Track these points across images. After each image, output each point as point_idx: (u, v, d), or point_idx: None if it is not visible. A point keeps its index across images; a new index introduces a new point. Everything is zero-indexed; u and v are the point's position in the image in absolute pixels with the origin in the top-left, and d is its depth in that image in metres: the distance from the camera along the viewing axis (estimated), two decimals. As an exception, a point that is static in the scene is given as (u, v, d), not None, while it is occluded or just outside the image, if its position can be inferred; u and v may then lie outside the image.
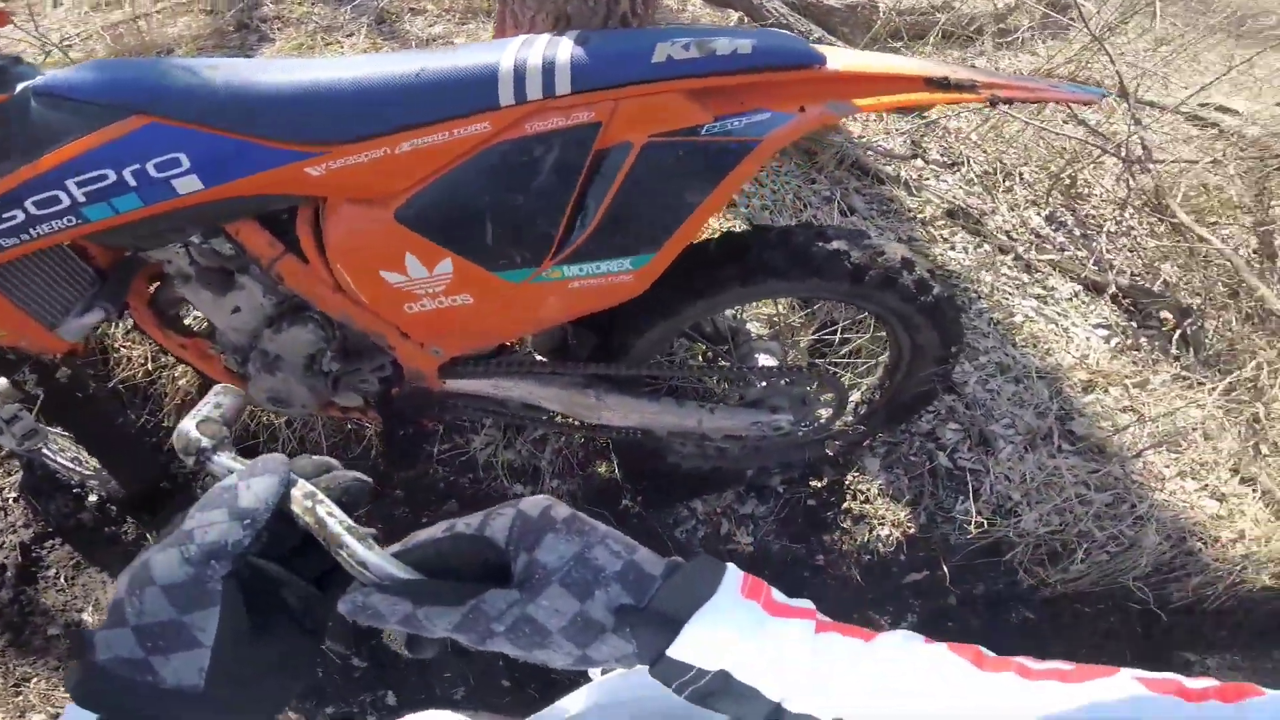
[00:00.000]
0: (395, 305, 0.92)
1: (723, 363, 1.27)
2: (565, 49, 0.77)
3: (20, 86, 0.83)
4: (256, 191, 0.81)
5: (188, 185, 0.80)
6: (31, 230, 0.83)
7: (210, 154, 0.79)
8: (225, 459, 0.45)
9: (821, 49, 0.81)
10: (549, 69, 0.75)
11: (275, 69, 0.81)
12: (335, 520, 0.39)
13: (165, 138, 0.79)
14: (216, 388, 0.97)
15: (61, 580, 1.47)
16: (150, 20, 2.80)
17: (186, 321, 1.15)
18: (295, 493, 0.41)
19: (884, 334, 1.23)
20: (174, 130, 0.79)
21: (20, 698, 1.28)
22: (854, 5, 2.80)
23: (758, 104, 0.78)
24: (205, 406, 0.49)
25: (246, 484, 0.39)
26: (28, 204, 0.81)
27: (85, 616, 1.41)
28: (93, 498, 1.54)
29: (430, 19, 2.67)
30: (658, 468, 1.39)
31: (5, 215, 0.82)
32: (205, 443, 0.45)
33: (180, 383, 1.55)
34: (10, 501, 1.56)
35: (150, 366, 1.59)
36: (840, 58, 0.80)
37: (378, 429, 1.46)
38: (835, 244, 0.96)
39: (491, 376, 1.07)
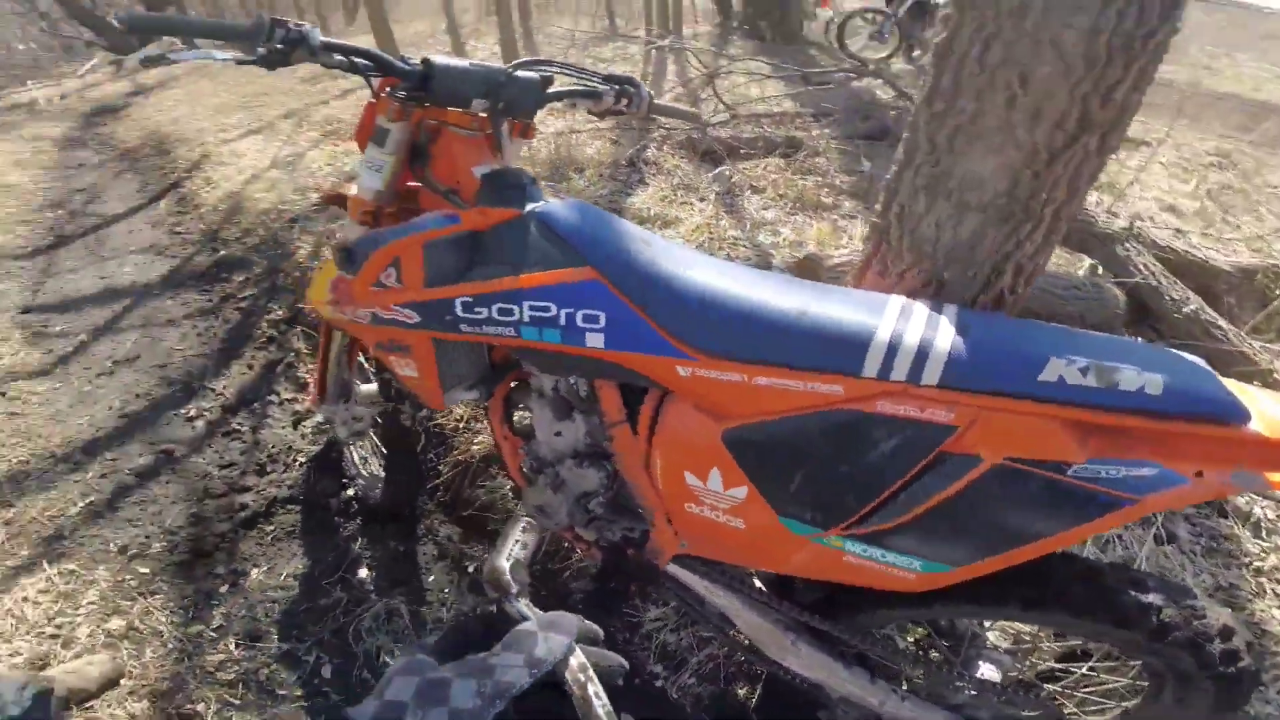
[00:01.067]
0: (679, 499, 0.95)
1: (942, 661, 1.10)
2: (945, 335, 0.73)
3: (529, 208, 0.96)
4: (634, 368, 0.88)
5: (594, 341, 0.87)
6: (484, 328, 0.95)
7: (622, 324, 0.86)
8: (522, 605, 0.52)
9: (1242, 393, 0.67)
10: (922, 355, 0.72)
11: (692, 263, 0.88)
12: (599, 704, 0.42)
13: (600, 297, 0.87)
14: (521, 523, 1.11)
15: (269, 539, 1.73)
16: (577, 137, 3.57)
17: (515, 418, 1.30)
18: (573, 661, 0.44)
19: (1146, 683, 0.95)
20: (608, 294, 0.86)
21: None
22: (1249, 269, 2.32)
23: (1146, 454, 0.67)
24: (514, 545, 0.57)
25: (545, 636, 0.43)
26: (494, 308, 0.93)
27: (253, 571, 1.63)
28: (351, 492, 1.81)
29: (765, 201, 2.97)
30: (801, 714, 1.24)
31: (476, 310, 0.94)
32: (514, 587, 0.53)
33: (474, 448, 1.82)
34: (295, 463, 1.96)
35: (460, 425, 1.91)
36: (1269, 412, 0.66)
37: (594, 564, 1.54)
38: (1151, 597, 0.79)
39: (712, 581, 1.06)
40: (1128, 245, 2.07)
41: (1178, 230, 2.88)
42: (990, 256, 0.93)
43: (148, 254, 3.31)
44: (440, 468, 1.84)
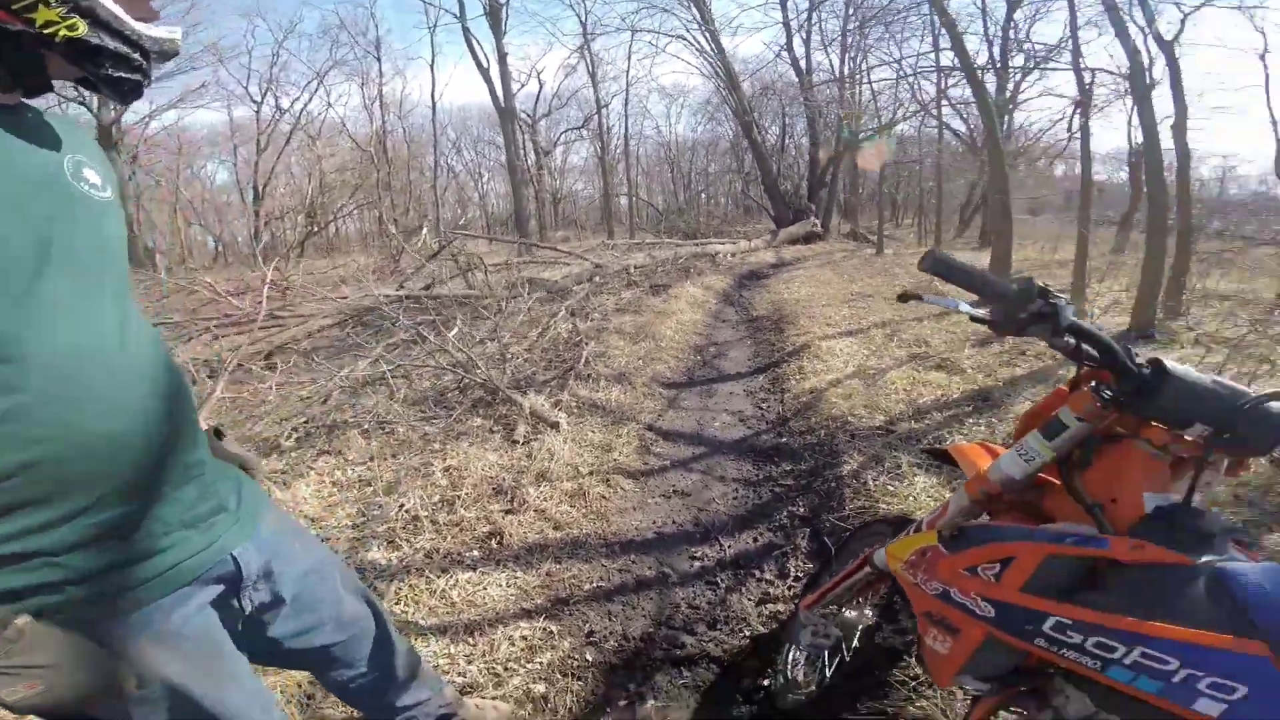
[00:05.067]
0: None
1: None
2: None
3: (1205, 559, 0.83)
4: None
5: (1206, 707, 0.76)
6: (1065, 650, 0.87)
7: (1268, 704, 0.73)
8: None
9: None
10: None
11: None
12: None
13: (1257, 675, 0.74)
14: None
15: (679, 684, 1.81)
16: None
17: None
18: None
19: None
20: (1273, 676, 0.73)
21: None
22: None
23: None
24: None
25: None
26: (1092, 640, 0.84)
27: (650, 703, 1.62)
28: (767, 683, 1.81)
29: None
30: None
31: (1069, 634, 0.87)
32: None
33: (910, 709, 1.63)
34: (740, 633, 1.99)
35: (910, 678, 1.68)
36: None
37: None
38: None
39: None
40: None
41: None
42: None
43: (734, 417, 4.09)
44: (861, 707, 1.67)
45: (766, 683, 1.85)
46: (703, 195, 28.64)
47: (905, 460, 2.91)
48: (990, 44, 14.48)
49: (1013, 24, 14.16)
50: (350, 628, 1.22)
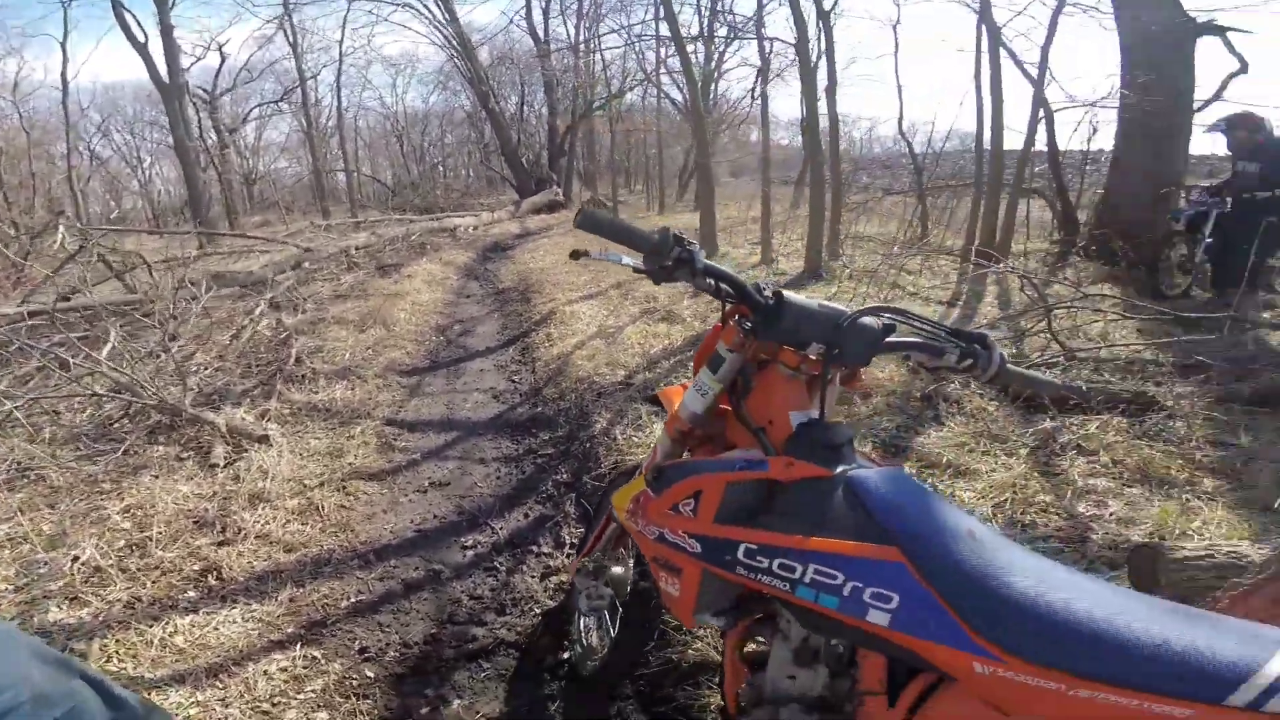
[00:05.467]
0: None
1: None
2: None
3: (840, 469, 0.93)
4: (920, 653, 0.81)
5: (877, 618, 0.82)
6: (760, 576, 0.94)
7: (918, 610, 0.81)
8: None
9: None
10: None
11: (1024, 567, 0.80)
12: None
13: (899, 580, 0.82)
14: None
15: (481, 676, 1.82)
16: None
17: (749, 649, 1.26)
18: None
19: None
20: (910, 579, 0.82)
21: None
22: None
23: None
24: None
25: None
26: (776, 561, 0.91)
27: (455, 703, 1.66)
28: (567, 655, 1.83)
29: (1094, 466, 2.44)
30: None
31: (758, 559, 0.94)
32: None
33: (690, 652, 1.79)
34: (531, 613, 2.03)
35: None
36: None
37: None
38: None
39: None
40: None
41: None
42: None
43: (486, 394, 4.02)
44: (650, 657, 1.79)
45: (566, 655, 1.85)
46: (440, 168, 27.09)
47: (644, 411, 3.12)
48: (700, 15, 15.79)
49: (719, -5, 15.48)
50: (59, 702, 0.97)
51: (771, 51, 12.04)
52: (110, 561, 2.18)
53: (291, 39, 18.00)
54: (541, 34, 18.44)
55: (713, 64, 16.70)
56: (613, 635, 1.72)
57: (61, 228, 5.68)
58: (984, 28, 6.05)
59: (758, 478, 0.98)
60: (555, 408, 3.60)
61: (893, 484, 0.92)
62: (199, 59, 18.72)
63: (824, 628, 0.95)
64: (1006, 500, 2.26)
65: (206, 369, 3.88)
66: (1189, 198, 5.33)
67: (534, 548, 2.39)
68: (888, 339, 1.04)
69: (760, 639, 1.19)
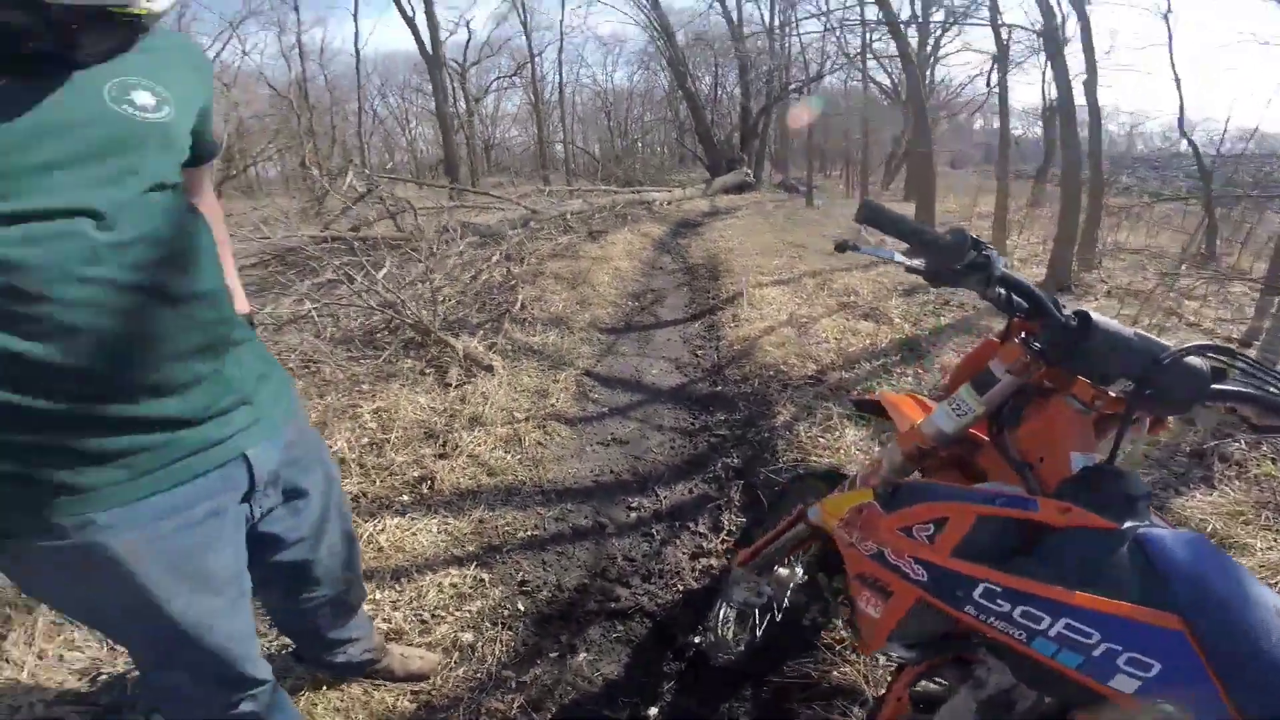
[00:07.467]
0: None
1: None
2: None
3: (1128, 524, 0.81)
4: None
5: (1121, 684, 0.73)
6: (993, 619, 0.85)
7: (1179, 681, 0.70)
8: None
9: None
10: None
11: None
12: None
13: (1171, 651, 0.72)
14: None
15: (611, 636, 1.86)
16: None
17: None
18: None
19: None
20: (1186, 652, 0.71)
21: None
22: None
23: None
24: None
25: None
26: (1020, 609, 0.82)
27: (581, 654, 1.74)
28: (698, 640, 1.81)
29: None
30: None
31: (997, 602, 0.84)
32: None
33: (834, 673, 1.71)
34: (674, 587, 1.96)
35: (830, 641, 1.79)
36: None
37: None
38: None
39: None
40: None
41: None
42: None
43: (670, 364, 4.13)
44: (786, 668, 1.73)
45: (698, 639, 1.84)
46: (639, 144, 28.26)
47: (836, 411, 3.00)
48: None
49: (934, -22, 14.22)
50: (334, 550, 1.26)
51: (1010, 39, 10.68)
52: (354, 455, 2.59)
53: (522, 17, 19.86)
54: (736, 15, 18.54)
55: (927, 49, 15.30)
56: (756, 635, 1.67)
57: (351, 173, 6.85)
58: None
59: (1022, 517, 0.86)
60: (736, 390, 3.58)
61: (1192, 549, 0.78)
62: (451, 33, 21.45)
63: (1048, 683, 0.84)
64: (1276, 582, 1.85)
65: (451, 301, 4.48)
66: None
67: (691, 524, 2.43)
68: (1215, 384, 0.85)
69: (940, 680, 1.09)
